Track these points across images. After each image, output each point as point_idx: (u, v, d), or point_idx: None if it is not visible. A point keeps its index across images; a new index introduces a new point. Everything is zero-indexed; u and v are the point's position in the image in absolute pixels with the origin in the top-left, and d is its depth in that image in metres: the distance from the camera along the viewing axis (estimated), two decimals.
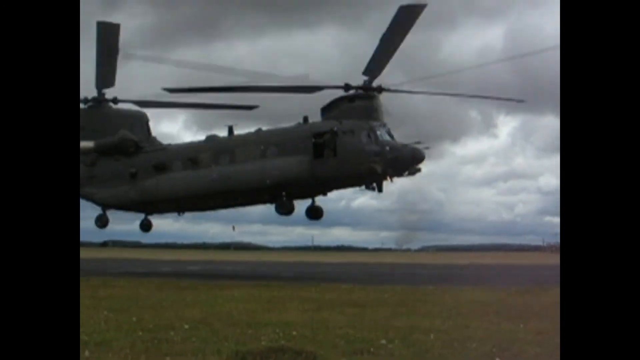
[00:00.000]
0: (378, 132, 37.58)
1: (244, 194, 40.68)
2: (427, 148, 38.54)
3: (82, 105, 43.69)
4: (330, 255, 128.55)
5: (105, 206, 43.85)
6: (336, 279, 37.12)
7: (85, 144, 41.69)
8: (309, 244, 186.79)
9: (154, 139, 45.07)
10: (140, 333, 13.56)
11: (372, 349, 11.39)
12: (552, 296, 22.77)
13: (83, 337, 12.65)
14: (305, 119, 40.09)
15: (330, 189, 40.11)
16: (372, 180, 38.08)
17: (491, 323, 15.43)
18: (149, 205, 43.05)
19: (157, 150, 43.43)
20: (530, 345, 11.90)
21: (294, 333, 13.47)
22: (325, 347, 11.82)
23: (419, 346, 11.89)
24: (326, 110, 39.66)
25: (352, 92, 38.69)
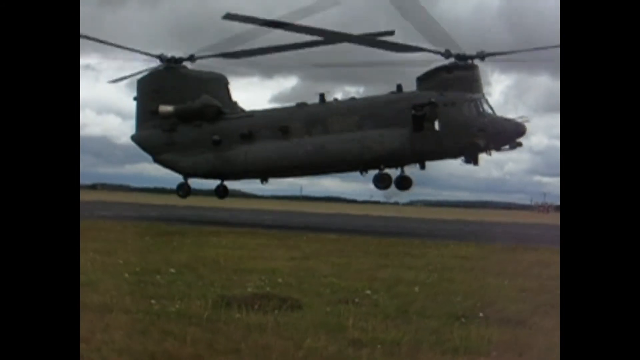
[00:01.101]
0: (481, 105, 36.04)
1: (338, 167, 39.62)
2: (527, 121, 37.04)
3: (157, 65, 41.98)
4: (318, 205, 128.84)
5: (187, 175, 42.09)
6: (323, 229, 37.21)
7: (164, 108, 40.34)
8: (298, 193, 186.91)
9: (235, 104, 42.86)
10: (127, 275, 13.59)
11: (356, 299, 11.45)
12: (537, 254, 22.93)
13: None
14: (399, 87, 38.28)
15: (425, 161, 37.98)
16: (472, 154, 36.63)
17: (475, 278, 15.53)
18: (235, 175, 41.50)
19: (243, 117, 41.19)
20: (514, 302, 11.97)
21: (280, 280, 13.53)
22: (310, 295, 11.89)
23: (403, 298, 11.96)
24: (423, 79, 37.72)
25: (451, 60, 36.66)
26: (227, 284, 12.85)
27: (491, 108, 36.37)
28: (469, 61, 36.77)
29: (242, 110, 42.43)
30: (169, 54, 42.38)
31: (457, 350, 8.09)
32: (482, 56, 36.63)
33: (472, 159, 37.01)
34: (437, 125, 35.29)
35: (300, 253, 20.37)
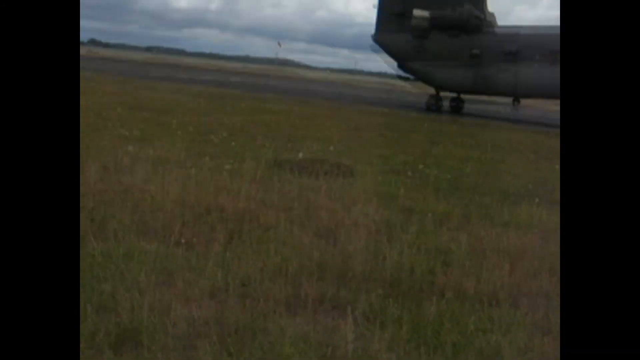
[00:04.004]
0: None
1: None
2: None
3: None
4: (373, 78, 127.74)
5: (439, 88, 39.26)
6: (374, 103, 37.04)
7: (420, 12, 37.46)
8: (352, 67, 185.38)
9: (493, 15, 39.83)
10: (180, 133, 13.71)
11: (409, 172, 11.43)
12: None
13: (124, 132, 12.83)
14: None
15: None
16: None
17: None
18: (493, 93, 38.63)
19: (508, 34, 37.72)
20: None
21: (331, 148, 13.54)
22: (361, 163, 11.90)
23: (454, 173, 11.94)
24: None
25: None
26: (279, 149, 12.88)
27: None
28: None
29: (496, 24, 39.31)
30: None
31: None
32: None
33: None
34: None
35: (352, 124, 20.33)
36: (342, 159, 12.02)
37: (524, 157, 16.15)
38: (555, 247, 7.12)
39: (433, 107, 38.41)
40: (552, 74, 34.59)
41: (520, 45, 36.39)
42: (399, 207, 8.51)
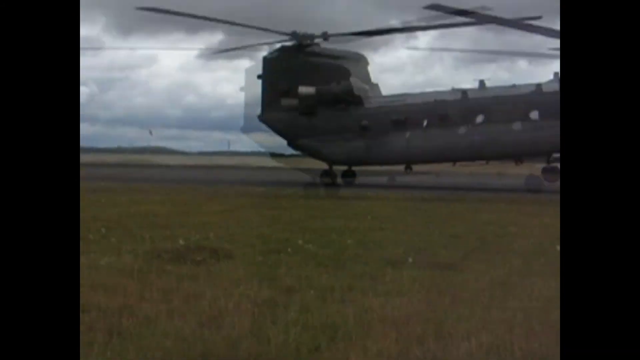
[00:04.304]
0: None
1: (503, 156, 38.16)
2: None
3: (286, 44, 39.25)
4: (247, 159, 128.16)
5: (332, 162, 39.24)
6: (251, 183, 37.13)
7: (304, 89, 37.66)
8: (226, 149, 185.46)
9: (376, 86, 40.69)
10: None
11: (289, 249, 11.45)
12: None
13: None
14: (556, 74, 35.79)
15: None
16: None
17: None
18: (388, 163, 39.03)
19: (395, 101, 38.68)
20: None
21: (211, 234, 13.43)
22: (242, 246, 11.85)
23: (334, 246, 12.03)
24: None
25: None
26: (157, 238, 12.69)
27: None
28: None
29: (380, 93, 40.31)
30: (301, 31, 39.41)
31: None
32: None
33: None
34: None
35: (230, 206, 20.29)
36: (222, 243, 11.95)
37: (402, 223, 16.44)
38: (437, 311, 7.24)
39: (327, 181, 38.50)
40: (442, 138, 36.03)
41: (407, 112, 37.36)
42: (282, 286, 8.48)
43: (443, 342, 6.10)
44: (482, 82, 37.95)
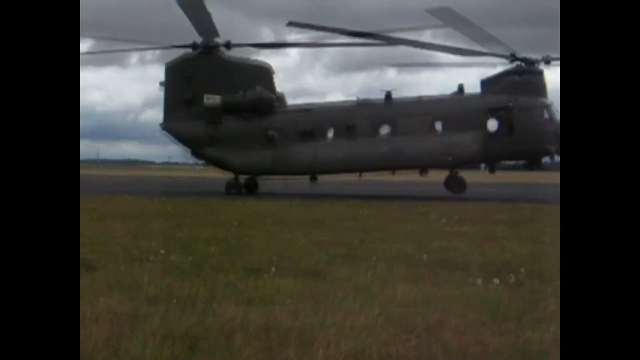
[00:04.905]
0: (553, 111, 35.49)
1: (409, 167, 38.03)
2: None
3: (191, 52, 38.09)
4: (116, 168, 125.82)
5: (237, 172, 38.18)
6: (120, 191, 36.37)
7: (210, 98, 36.83)
8: (95, 157, 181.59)
9: (282, 96, 39.71)
10: None
11: (151, 257, 11.28)
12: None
13: None
14: (461, 88, 37.46)
15: (495, 163, 37.55)
16: (539, 160, 36.40)
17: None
18: (294, 173, 38.54)
19: (301, 111, 38.38)
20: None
21: None
22: (103, 255, 11.58)
23: (198, 254, 11.92)
24: (490, 83, 36.91)
25: (517, 64, 36.19)
26: None
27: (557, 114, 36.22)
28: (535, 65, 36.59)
29: (286, 103, 39.77)
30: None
31: None
32: (547, 60, 36.25)
33: (536, 165, 37.16)
34: (512, 130, 34.82)
35: (95, 215, 19.80)
36: (85, 254, 11.62)
37: (269, 231, 16.48)
38: (299, 318, 7.28)
39: (232, 192, 37.64)
40: (348, 148, 36.30)
41: (313, 123, 37.24)
42: (143, 296, 8.33)
43: (303, 350, 6.13)
44: (388, 93, 38.21)
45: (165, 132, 39.66)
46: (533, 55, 37.00)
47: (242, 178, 38.91)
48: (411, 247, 13.22)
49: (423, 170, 38.40)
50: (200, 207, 25.41)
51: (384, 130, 36.76)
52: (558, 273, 5.94)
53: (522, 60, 36.47)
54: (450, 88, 39.64)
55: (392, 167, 38.13)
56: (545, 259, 11.28)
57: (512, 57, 36.34)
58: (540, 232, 16.19)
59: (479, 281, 9.40)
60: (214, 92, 37.46)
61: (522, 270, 10.22)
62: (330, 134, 37.26)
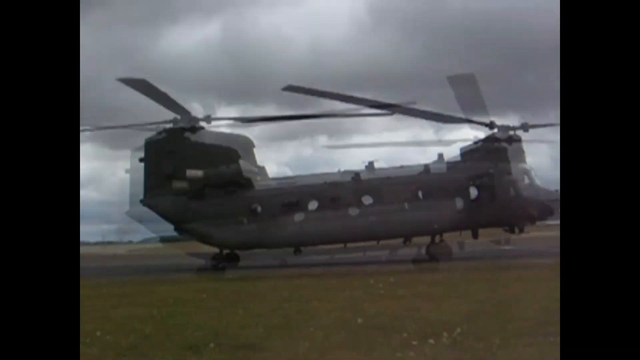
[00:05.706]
0: (533, 177, 35.90)
1: (394, 237, 37.37)
2: None
3: (169, 127, 36.99)
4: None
5: (222, 247, 37.22)
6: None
7: (192, 172, 35.80)
8: None
9: (263, 169, 39.28)
10: None
11: (87, 340, 11.12)
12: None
13: None
14: (441, 156, 37.38)
15: (479, 229, 36.73)
16: (522, 225, 36.03)
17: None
18: (281, 246, 37.01)
19: (284, 184, 37.76)
20: None
21: None
22: None
23: (134, 334, 11.79)
24: (469, 150, 37.08)
25: (495, 131, 36.28)
26: None
27: (536, 179, 36.45)
28: (513, 132, 36.73)
29: (267, 175, 39.14)
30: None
31: None
32: (525, 128, 36.71)
33: (519, 229, 36.56)
34: (494, 196, 34.89)
35: None
36: None
37: (211, 306, 16.36)
38: None
39: (219, 266, 36.52)
40: (333, 221, 35.85)
41: (297, 195, 36.80)
42: None
43: None
44: (370, 163, 38.29)
45: (146, 208, 38.31)
46: (511, 123, 37.97)
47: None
48: (349, 314, 13.14)
49: (407, 239, 38.25)
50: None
51: (368, 200, 36.76)
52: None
53: (500, 127, 36.88)
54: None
55: (377, 237, 37.71)
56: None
57: (492, 125, 36.67)
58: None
59: None
60: (196, 167, 36.74)
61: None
62: (314, 205, 36.91)
